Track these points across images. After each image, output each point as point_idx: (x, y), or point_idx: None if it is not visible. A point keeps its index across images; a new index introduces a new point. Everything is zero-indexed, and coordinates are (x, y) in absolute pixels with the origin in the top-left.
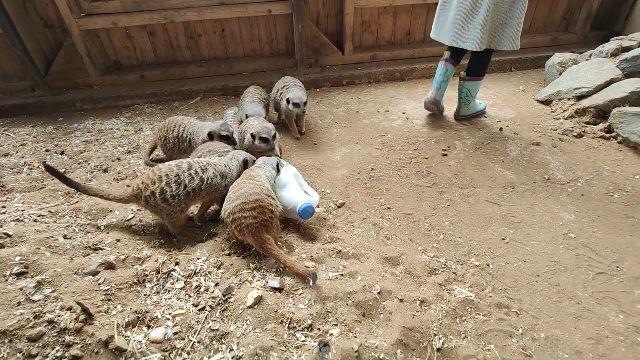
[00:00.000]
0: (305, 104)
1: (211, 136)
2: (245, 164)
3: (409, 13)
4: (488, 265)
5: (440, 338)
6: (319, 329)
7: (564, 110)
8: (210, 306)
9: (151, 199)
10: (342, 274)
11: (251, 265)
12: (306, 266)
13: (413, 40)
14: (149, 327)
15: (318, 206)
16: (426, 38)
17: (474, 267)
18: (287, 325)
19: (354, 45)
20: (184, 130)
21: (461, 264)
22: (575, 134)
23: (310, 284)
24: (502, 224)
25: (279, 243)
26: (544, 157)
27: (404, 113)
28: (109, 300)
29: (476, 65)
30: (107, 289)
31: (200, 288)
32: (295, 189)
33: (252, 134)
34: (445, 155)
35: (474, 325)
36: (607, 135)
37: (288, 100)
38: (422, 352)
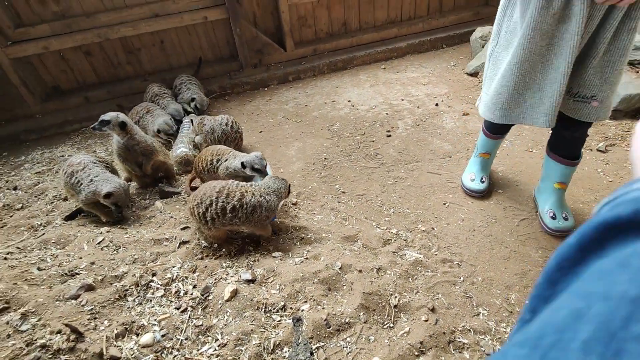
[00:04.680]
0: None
1: (243, 165)
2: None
3: (342, 4)
4: (433, 228)
5: (396, 296)
6: (291, 307)
7: None
8: (191, 306)
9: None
10: (306, 258)
11: (224, 264)
12: (274, 256)
13: (349, 30)
14: (137, 334)
15: None
16: (361, 26)
17: (421, 232)
18: (263, 310)
19: (294, 41)
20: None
21: (410, 232)
22: None
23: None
24: (443, 190)
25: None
26: (474, 125)
27: (349, 101)
28: (95, 318)
29: None
30: (91, 309)
31: (179, 293)
32: None
33: (242, 163)
34: (390, 136)
35: (424, 281)
36: None
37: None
38: (381, 311)
